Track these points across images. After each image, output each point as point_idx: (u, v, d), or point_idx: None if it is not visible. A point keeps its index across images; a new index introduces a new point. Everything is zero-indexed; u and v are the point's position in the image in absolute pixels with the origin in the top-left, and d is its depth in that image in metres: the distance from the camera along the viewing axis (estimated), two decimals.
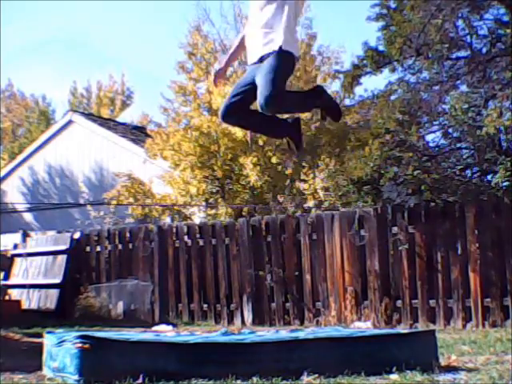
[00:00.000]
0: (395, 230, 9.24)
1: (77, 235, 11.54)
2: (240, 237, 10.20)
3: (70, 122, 17.44)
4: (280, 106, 4.40)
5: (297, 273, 9.80)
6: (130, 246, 11.02)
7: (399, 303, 9.11)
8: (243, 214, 11.95)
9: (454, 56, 10.83)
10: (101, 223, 13.24)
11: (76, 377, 4.20)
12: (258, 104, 4.27)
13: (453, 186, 9.51)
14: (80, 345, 4.23)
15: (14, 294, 11.77)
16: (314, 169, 11.63)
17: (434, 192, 9.31)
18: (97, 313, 10.58)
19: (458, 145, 10.38)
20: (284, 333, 5.56)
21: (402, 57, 10.37)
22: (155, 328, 8.59)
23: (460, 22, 10.66)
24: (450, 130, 10.30)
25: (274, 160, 12.35)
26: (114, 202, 13.06)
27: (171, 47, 43.36)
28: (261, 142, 12.49)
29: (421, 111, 10.31)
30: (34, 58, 40.27)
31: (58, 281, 11.19)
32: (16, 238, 12.69)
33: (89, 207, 13.97)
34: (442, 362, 4.91)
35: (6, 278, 12.01)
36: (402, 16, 10.37)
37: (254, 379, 4.19)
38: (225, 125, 12.77)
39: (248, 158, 12.21)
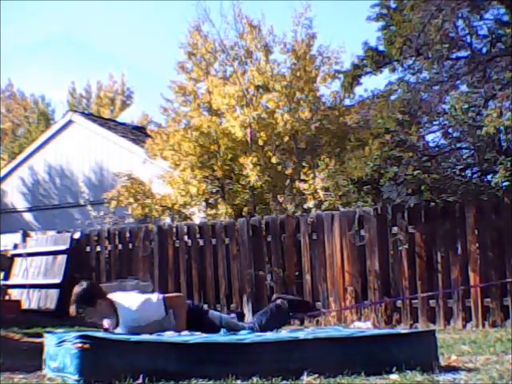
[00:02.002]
0: (395, 230, 9.24)
1: (77, 235, 11.54)
2: (240, 237, 10.20)
3: (69, 122, 17.45)
4: None
5: (297, 273, 9.80)
6: (130, 246, 11.02)
7: (399, 303, 9.11)
8: (243, 213, 11.95)
9: (454, 56, 10.81)
10: (101, 223, 13.24)
11: (76, 377, 4.20)
12: None
13: (453, 186, 9.51)
14: (80, 345, 4.23)
15: (14, 294, 11.77)
16: (314, 169, 11.63)
17: (434, 192, 9.31)
18: None
19: (458, 145, 10.37)
20: (284, 333, 5.56)
21: (402, 57, 10.36)
22: None
23: (460, 22, 10.65)
24: (450, 130, 10.29)
25: (273, 160, 12.35)
26: (114, 202, 13.06)
27: (171, 47, 43.40)
28: (261, 142, 12.50)
29: (421, 111, 10.30)
30: (33, 58, 40.29)
31: (57, 281, 11.18)
32: (16, 238, 12.68)
33: (88, 207, 13.98)
34: (442, 362, 4.90)
35: (6, 278, 12.01)
36: (401, 16, 10.36)
37: (254, 379, 4.19)
38: (225, 125, 12.81)
39: (248, 158, 12.21)
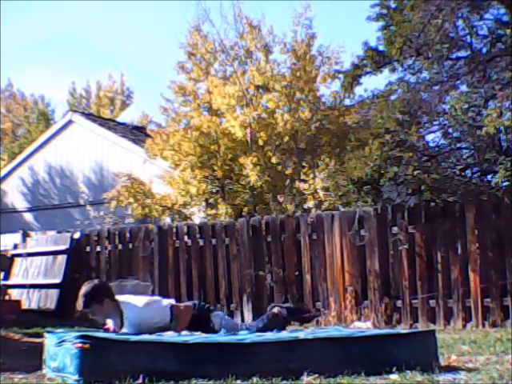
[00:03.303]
0: (395, 229, 9.24)
1: (77, 235, 11.53)
2: (240, 237, 10.20)
3: (69, 122, 17.44)
4: None
5: (297, 273, 9.80)
6: (130, 246, 11.01)
7: (399, 303, 9.11)
8: (243, 214, 11.95)
9: (454, 56, 10.80)
10: (101, 223, 13.23)
11: (76, 377, 4.20)
12: None
13: (453, 186, 9.51)
14: (80, 345, 4.23)
15: (14, 294, 11.77)
16: (314, 169, 11.63)
17: (434, 192, 9.31)
18: None
19: (458, 145, 10.37)
20: (284, 333, 5.56)
21: (402, 57, 10.35)
22: None
23: (460, 22, 10.64)
24: (450, 130, 10.29)
25: (274, 160, 12.34)
26: (114, 202, 13.05)
27: (171, 47, 43.39)
28: (261, 142, 12.49)
29: (421, 111, 10.29)
30: (33, 57, 40.29)
31: (57, 281, 11.18)
32: (16, 238, 12.68)
33: (88, 207, 13.97)
34: (442, 362, 4.90)
35: (6, 278, 12.01)
36: (402, 16, 10.36)
37: (254, 379, 4.19)
38: (225, 125, 12.81)
39: (248, 158, 12.21)
